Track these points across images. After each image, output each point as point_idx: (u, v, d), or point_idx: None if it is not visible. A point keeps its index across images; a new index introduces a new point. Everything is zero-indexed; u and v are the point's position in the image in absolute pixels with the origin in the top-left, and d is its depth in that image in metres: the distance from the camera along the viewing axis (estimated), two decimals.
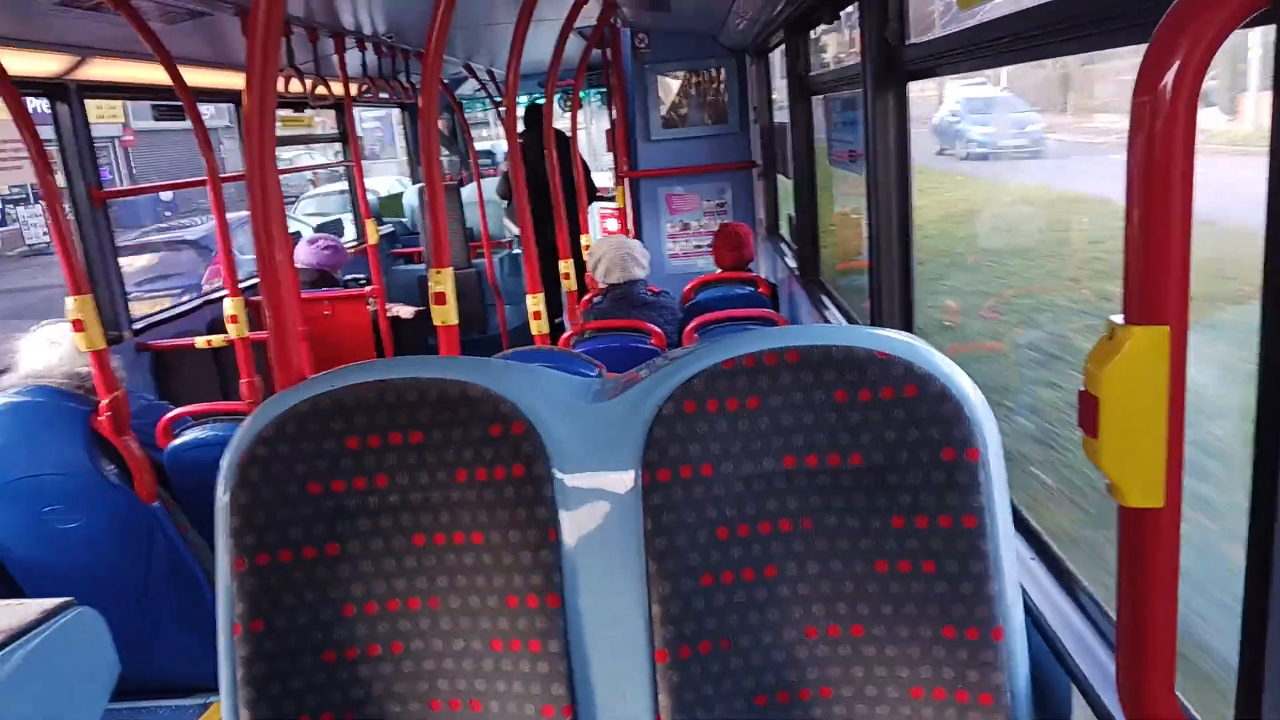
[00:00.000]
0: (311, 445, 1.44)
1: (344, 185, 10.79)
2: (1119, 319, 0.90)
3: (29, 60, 3.75)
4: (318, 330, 5.13)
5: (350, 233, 8.39)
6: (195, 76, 4.45)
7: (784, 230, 5.72)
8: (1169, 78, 0.84)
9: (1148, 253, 0.87)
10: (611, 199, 6.98)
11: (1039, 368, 3.63)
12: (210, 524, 1.49)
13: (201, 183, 4.17)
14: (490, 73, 8.05)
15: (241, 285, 4.12)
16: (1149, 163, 0.86)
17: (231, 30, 3.98)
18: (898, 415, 1.36)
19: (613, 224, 7.68)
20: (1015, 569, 1.38)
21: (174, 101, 4.61)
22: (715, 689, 1.40)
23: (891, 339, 1.39)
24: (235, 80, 5.30)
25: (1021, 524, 1.74)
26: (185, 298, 5.79)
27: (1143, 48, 0.87)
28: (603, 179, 8.50)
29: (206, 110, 4.60)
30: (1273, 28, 0.88)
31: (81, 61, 4.00)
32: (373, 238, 5.52)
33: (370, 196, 7.11)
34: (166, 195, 15.52)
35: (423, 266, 7.46)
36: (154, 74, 3.84)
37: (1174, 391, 0.89)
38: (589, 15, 4.41)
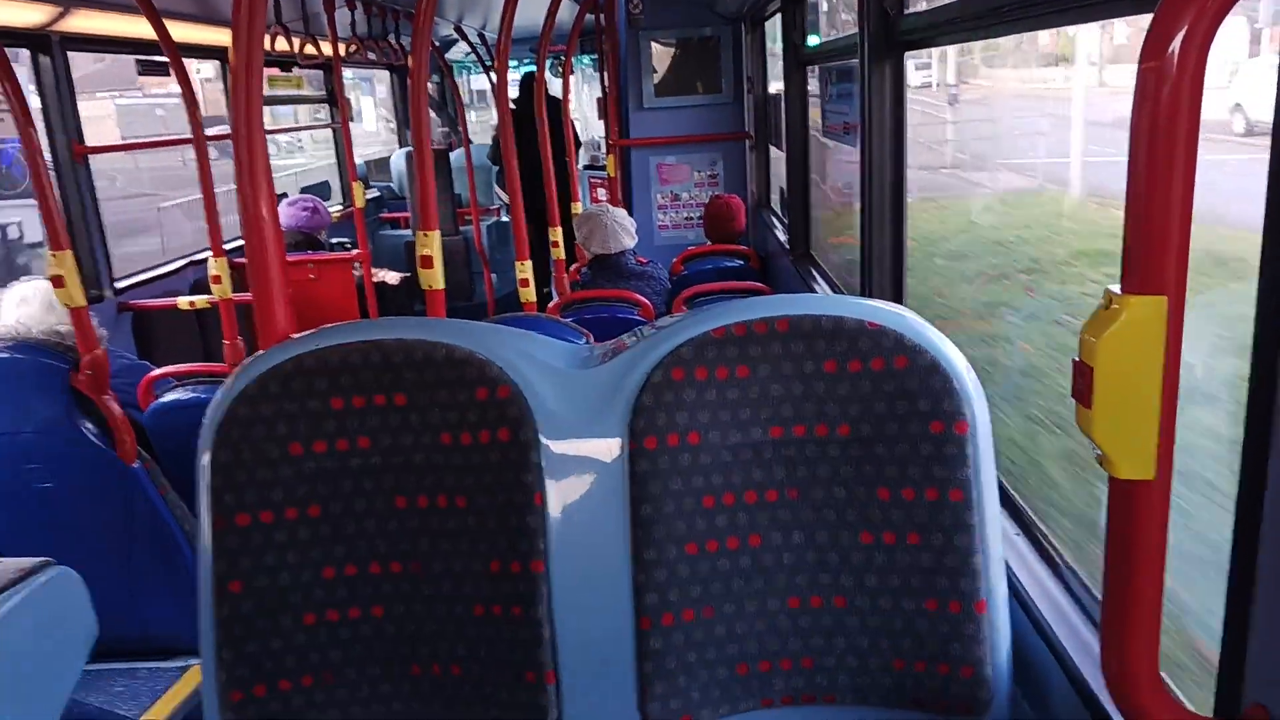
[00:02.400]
0: (295, 405, 1.42)
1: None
2: (1116, 288, 0.89)
3: (11, 10, 3.67)
4: (302, 294, 5.06)
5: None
6: (181, 31, 4.37)
7: (775, 203, 5.69)
8: (1175, 46, 0.83)
9: (1148, 222, 0.85)
10: (602, 168, 6.91)
11: None
12: (191, 486, 1.47)
13: (187, 140, 4.11)
14: (482, 35, 7.94)
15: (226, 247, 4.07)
16: (1153, 132, 0.84)
17: None
18: (887, 386, 1.35)
19: (603, 193, 7.62)
20: (1000, 543, 1.38)
21: (159, 57, 4.53)
22: (698, 656, 1.40)
23: (883, 310, 1.38)
24: (222, 36, 5.21)
25: (1006, 499, 1.74)
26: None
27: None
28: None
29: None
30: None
31: (65, 13, 3.91)
32: (359, 201, 5.46)
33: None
34: None
35: (409, 232, 7.38)
36: (139, 27, 3.76)
37: (1169, 363, 0.88)
38: None
